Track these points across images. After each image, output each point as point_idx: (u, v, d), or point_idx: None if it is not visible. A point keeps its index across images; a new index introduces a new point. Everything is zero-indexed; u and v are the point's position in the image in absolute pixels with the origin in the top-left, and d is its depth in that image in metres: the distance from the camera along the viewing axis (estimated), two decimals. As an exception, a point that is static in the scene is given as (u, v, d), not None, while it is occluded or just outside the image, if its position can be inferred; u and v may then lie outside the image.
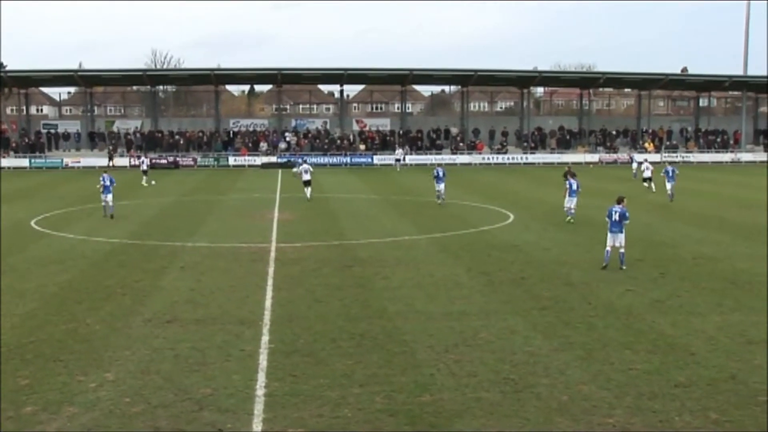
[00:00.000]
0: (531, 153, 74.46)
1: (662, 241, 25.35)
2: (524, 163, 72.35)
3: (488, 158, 73.04)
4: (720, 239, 25.76)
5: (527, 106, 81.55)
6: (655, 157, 74.42)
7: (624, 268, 20.21)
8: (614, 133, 79.37)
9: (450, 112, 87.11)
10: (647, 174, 44.45)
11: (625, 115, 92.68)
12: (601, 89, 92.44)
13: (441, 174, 37.40)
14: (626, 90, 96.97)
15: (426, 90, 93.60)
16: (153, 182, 48.89)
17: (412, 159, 71.21)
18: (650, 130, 79.26)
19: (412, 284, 18.67)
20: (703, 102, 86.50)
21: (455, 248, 24.01)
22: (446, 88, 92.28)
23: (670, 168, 40.58)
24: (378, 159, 71.01)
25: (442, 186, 37.06)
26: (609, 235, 20.88)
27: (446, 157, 72.57)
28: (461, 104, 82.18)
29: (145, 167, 51.55)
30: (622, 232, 20.50)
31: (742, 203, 37.35)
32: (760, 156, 77.27)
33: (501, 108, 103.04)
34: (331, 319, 15.35)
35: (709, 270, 20.38)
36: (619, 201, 21.19)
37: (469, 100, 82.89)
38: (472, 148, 74.51)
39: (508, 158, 73.28)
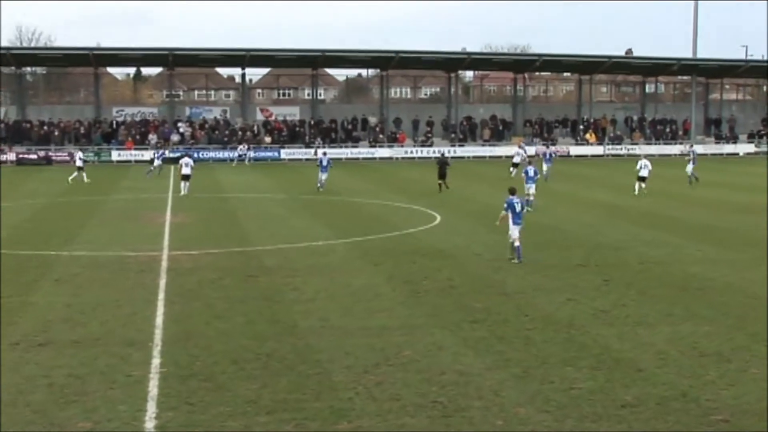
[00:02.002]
0: (460, 145, 75.42)
1: (606, 244, 26.00)
2: (452, 157, 73.18)
3: (411, 151, 73.65)
4: (670, 241, 26.56)
5: (455, 92, 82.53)
6: (598, 150, 76.46)
7: (515, 261, 22.27)
8: (552, 122, 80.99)
9: (368, 100, 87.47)
10: (644, 173, 41.71)
11: (565, 102, 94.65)
12: (537, 73, 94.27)
13: (325, 162, 42.91)
14: (565, 74, 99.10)
15: (340, 74, 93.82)
16: (72, 179, 48.86)
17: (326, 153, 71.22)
18: (592, 120, 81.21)
19: (327, 296, 18.64)
20: (649, 88, 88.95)
21: (375, 254, 24.09)
22: (363, 72, 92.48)
23: (531, 167, 38.00)
24: (286, 153, 70.72)
25: (325, 176, 42.10)
26: (513, 227, 22.57)
27: (364, 150, 72.91)
28: (381, 90, 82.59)
29: (81, 163, 50.85)
30: (521, 225, 22.65)
31: (692, 201, 38.66)
32: (710, 148, 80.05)
33: (425, 95, 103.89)
34: (233, 338, 15.18)
35: (658, 275, 20.99)
36: (513, 192, 23.11)
37: (389, 86, 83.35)
38: (393, 140, 75.01)
39: (434, 151, 73.94)
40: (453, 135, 77.07)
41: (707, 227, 29.95)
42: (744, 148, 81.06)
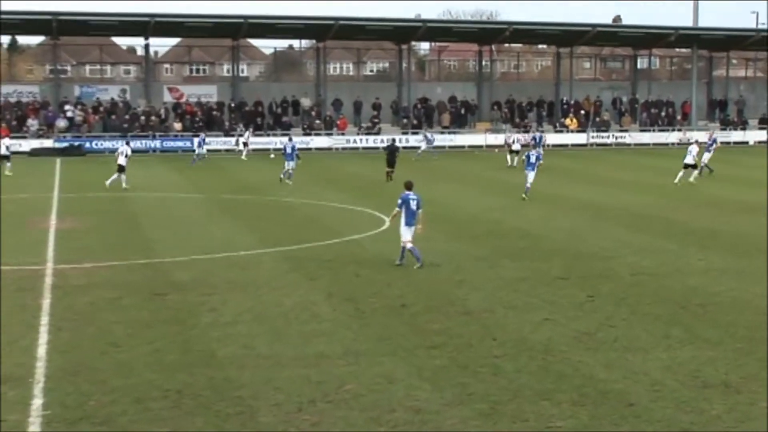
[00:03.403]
0: (413, 133, 75.71)
1: (591, 252, 26.32)
2: (404, 147, 73.42)
3: (354, 140, 73.75)
4: (666, 247, 26.97)
5: (407, 68, 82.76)
6: (581, 138, 77.24)
7: (419, 266, 23.34)
8: (526, 104, 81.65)
9: (301, 77, 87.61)
10: (689, 159, 45.38)
11: (540, 80, 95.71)
12: (506, 45, 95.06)
13: (290, 150, 45.04)
14: (540, 46, 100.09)
15: (267, 46, 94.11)
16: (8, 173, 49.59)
17: (249, 142, 70.90)
18: (573, 101, 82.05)
19: (252, 317, 18.59)
20: (642, 63, 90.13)
21: (312, 266, 24.09)
22: (295, 42, 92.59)
23: (533, 153, 41.13)
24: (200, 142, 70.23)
25: (292, 164, 44.65)
26: (404, 228, 23.59)
27: (297, 139, 72.46)
28: (316, 66, 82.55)
29: (6, 152, 52.10)
30: (415, 225, 23.70)
31: (693, 200, 39.30)
32: (715, 135, 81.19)
33: (371, 71, 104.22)
34: (136, 371, 15.06)
35: (653, 290, 21.30)
36: (409, 186, 24.06)
37: (327, 61, 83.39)
38: (332, 126, 75.04)
39: (382, 140, 74.10)
40: (405, 120, 77.26)
41: (711, 231, 30.46)
42: (754, 135, 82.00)
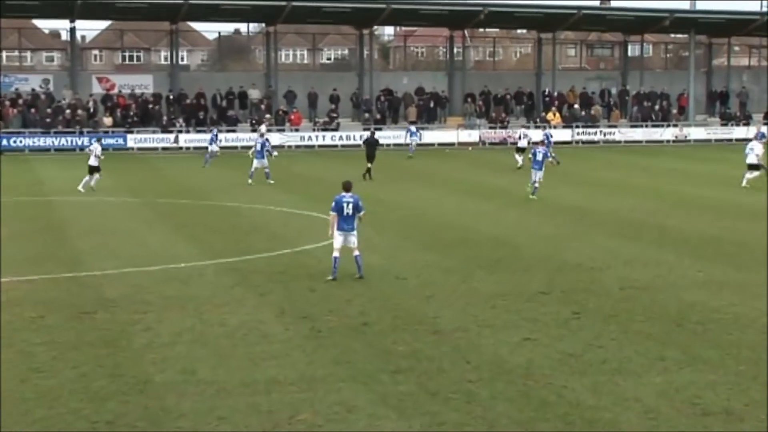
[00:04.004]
0: (376, 128, 75.54)
1: (576, 263, 26.43)
2: (264, 146, 73.28)
3: (309, 137, 73.62)
4: (660, 258, 27.14)
5: (369, 56, 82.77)
6: (564, 134, 77.45)
7: (362, 276, 23.66)
8: (503, 96, 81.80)
9: (249, 66, 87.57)
10: (751, 159, 45.25)
11: (519, 69, 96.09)
12: (481, 30, 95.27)
13: (260, 147, 47.17)
14: (519, 32, 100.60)
15: (211, 30, 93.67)
16: None
17: (190, 139, 70.70)
18: (555, 93, 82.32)
19: (192, 338, 18.53)
20: (633, 50, 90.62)
21: (260, 279, 24.07)
22: (242, 26, 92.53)
23: (540, 149, 42.31)
24: (135, 140, 69.88)
25: (264, 162, 46.93)
26: (337, 234, 23.72)
27: (244, 136, 72.43)
28: (266, 53, 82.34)
29: None
30: (354, 229, 23.85)
31: (689, 204, 39.57)
32: (715, 132, 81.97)
33: (329, 59, 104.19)
34: (61, 399, 14.96)
35: (645, 305, 21.42)
36: (348, 188, 24.17)
37: (278, 47, 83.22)
38: (284, 121, 74.90)
39: (341, 137, 74.15)
40: (366, 114, 77.14)
41: (710, 239, 30.69)
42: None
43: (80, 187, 42.95)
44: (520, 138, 57.47)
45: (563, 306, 21.28)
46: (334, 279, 23.65)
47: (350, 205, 23.83)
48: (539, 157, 40.92)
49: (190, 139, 71.04)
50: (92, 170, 43.49)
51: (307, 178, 50.18)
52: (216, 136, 60.54)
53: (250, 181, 46.34)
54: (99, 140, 47.75)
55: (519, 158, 54.21)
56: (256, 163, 47.09)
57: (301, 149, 71.42)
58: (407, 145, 65.55)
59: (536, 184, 40.44)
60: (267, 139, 49.12)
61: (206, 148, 59.33)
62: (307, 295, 22.40)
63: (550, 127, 76.29)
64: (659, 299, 21.98)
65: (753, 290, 22.91)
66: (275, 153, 50.98)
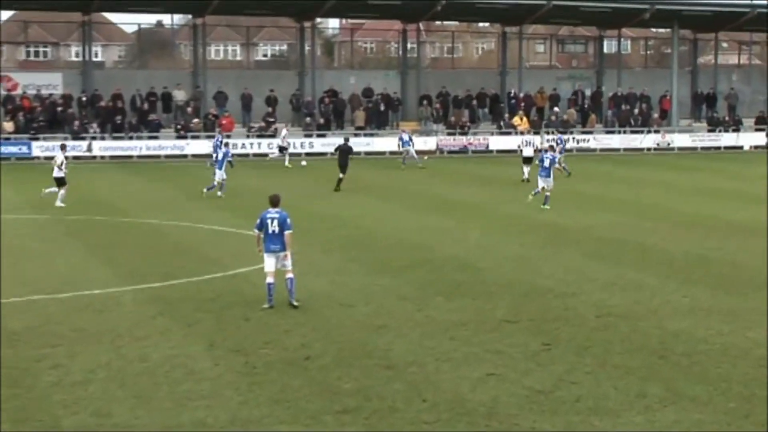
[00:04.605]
0: (319, 135, 75.66)
1: (546, 288, 26.51)
2: (306, 153, 73.42)
3: (243, 144, 73.33)
4: (641, 281, 27.27)
5: (311, 52, 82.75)
6: (534, 142, 77.66)
7: (296, 303, 23.61)
8: (463, 98, 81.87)
9: (173, 63, 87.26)
10: None
11: (481, 68, 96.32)
12: (439, 23, 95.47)
13: (222, 157, 48.01)
14: (481, 25, 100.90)
15: (129, 23, 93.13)
16: None
17: (105, 147, 70.26)
18: (522, 95, 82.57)
19: (108, 376, 18.38)
20: (609, 46, 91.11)
21: (187, 308, 23.96)
22: (166, 18, 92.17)
23: (548, 155, 43.41)
24: (41, 148, 69.09)
25: (222, 174, 47.09)
26: (267, 256, 23.71)
27: (168, 144, 72.33)
28: (193, 49, 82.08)
29: None
30: (285, 249, 23.75)
31: (674, 219, 39.80)
32: (702, 139, 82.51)
33: (265, 56, 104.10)
34: (-43, 448, 14.81)
35: (624, 335, 21.48)
36: (275, 203, 24.18)
37: (207, 42, 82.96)
38: (214, 126, 74.58)
39: (275, 144, 73.56)
40: (308, 119, 77.11)
41: (697, 259, 30.88)
42: (751, 138, 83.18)
43: (59, 202, 42.97)
44: (525, 145, 57.49)
45: (532, 336, 21.33)
46: (270, 307, 23.59)
47: (275, 222, 23.76)
48: (546, 163, 42.27)
49: (105, 146, 70.66)
50: (58, 183, 43.48)
51: (240, 191, 50.01)
52: (221, 142, 60.10)
53: (220, 193, 46.87)
54: (63, 148, 47.16)
55: (525, 170, 53.98)
56: (217, 174, 47.53)
57: (234, 158, 71.14)
58: (400, 153, 65.75)
59: (547, 193, 42.00)
60: (228, 150, 49.31)
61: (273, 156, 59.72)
62: (241, 325, 22.32)
63: (516, 132, 76.65)
64: (640, 328, 22.06)
65: (745, 317, 23.06)
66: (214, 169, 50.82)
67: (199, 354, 19.93)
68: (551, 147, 47.98)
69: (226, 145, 51.41)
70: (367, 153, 72.77)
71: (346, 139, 53.55)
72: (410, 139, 66.19)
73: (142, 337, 21.26)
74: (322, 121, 76.97)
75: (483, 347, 20.41)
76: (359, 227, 37.39)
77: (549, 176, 42.15)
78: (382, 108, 79.60)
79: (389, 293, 25.78)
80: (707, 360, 19.52)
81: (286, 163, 63.99)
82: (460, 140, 76.88)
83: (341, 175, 49.44)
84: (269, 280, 23.72)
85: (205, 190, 46.88)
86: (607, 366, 19.11)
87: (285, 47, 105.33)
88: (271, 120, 75.76)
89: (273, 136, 73.64)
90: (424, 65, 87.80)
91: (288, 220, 23.84)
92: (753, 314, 23.29)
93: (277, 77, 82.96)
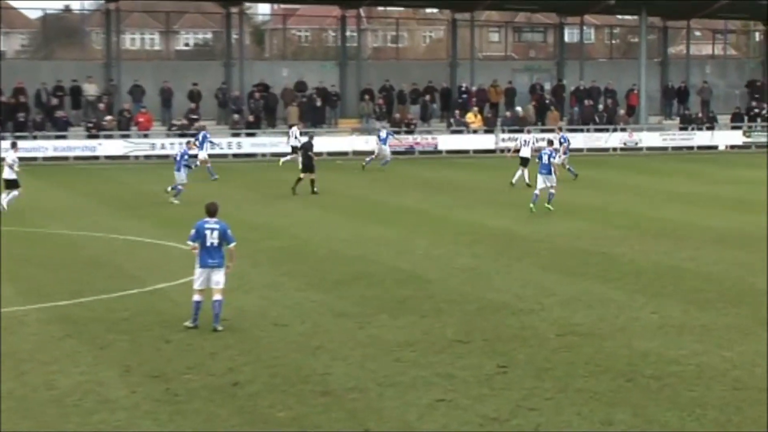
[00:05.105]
0: (248, 134, 75.39)
1: (502, 303, 26.56)
2: (233, 155, 73.25)
3: (162, 145, 73.00)
4: (606, 296, 27.40)
5: (239, 41, 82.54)
6: (486, 141, 77.91)
7: (219, 328, 23.28)
8: (409, 93, 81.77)
9: (83, 53, 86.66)
10: None
11: (429, 58, 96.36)
12: (381, 9, 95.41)
13: (179, 157, 47.76)
14: (429, 11, 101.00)
15: (33, 8, 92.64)
16: None
17: (7, 147, 69.66)
18: (475, 89, 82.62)
19: (11, 406, 18.18)
20: (571, 35, 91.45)
21: (98, 329, 23.78)
22: (74, 3, 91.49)
23: (546, 151, 44.06)
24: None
25: (182, 176, 46.89)
26: (199, 271, 23.47)
27: (77, 144, 71.83)
28: (106, 37, 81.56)
29: None
30: (222, 266, 23.61)
31: (643, 227, 39.99)
32: (673, 137, 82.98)
33: (187, 45, 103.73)
34: None
35: (588, 356, 21.55)
36: (212, 212, 23.82)
37: (122, 29, 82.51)
38: (129, 124, 74.22)
39: (212, 146, 73.30)
40: (236, 115, 76.92)
41: (669, 272, 31.04)
42: (726, 137, 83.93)
43: (4, 204, 43.06)
44: (523, 144, 55.91)
45: (486, 358, 21.34)
46: (194, 326, 23.46)
47: (215, 233, 23.46)
48: (545, 159, 42.92)
49: (7, 146, 69.92)
50: (9, 185, 43.37)
51: (161, 198, 49.84)
52: (206, 137, 60.89)
53: (174, 200, 46.94)
54: (14, 146, 46.87)
55: (525, 173, 53.44)
56: (176, 176, 47.82)
57: (152, 160, 70.93)
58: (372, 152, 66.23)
59: (551, 191, 43.05)
60: (185, 151, 49.58)
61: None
62: (161, 347, 22.21)
63: (469, 130, 76.79)
64: (605, 348, 22.15)
65: (720, 335, 23.21)
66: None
67: (113, 380, 19.78)
68: (550, 141, 48.01)
69: (188, 143, 51.18)
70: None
71: (311, 137, 53.83)
72: (388, 136, 66.67)
73: (49, 361, 21.06)
74: (251, 118, 76.70)
75: (432, 370, 20.41)
76: (293, 237, 37.33)
77: (550, 173, 42.79)
78: (319, 103, 79.34)
79: (326, 310, 25.75)
80: (679, 383, 19.61)
81: (281, 162, 64.22)
82: (405, 139, 76.72)
83: (302, 175, 49.74)
84: (197, 298, 23.53)
85: (169, 188, 47.43)
86: (569, 390, 19.17)
87: (209, 35, 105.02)
88: (195, 117, 75.43)
89: (195, 135, 73.31)
90: (365, 56, 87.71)
91: (229, 231, 23.60)
92: (729, 332, 23.46)
93: (201, 69, 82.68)
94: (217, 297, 23.39)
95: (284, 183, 55.53)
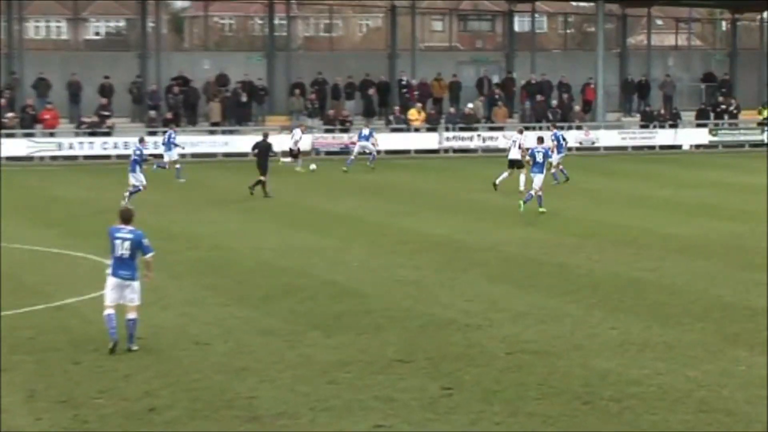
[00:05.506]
0: (164, 131, 74.72)
1: (447, 319, 26.62)
2: (151, 154, 72.76)
3: (71, 144, 72.57)
4: (560, 310, 27.55)
5: (155, 29, 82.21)
6: (429, 140, 77.90)
7: (135, 348, 23.17)
8: (344, 87, 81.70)
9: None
10: None
11: (366, 49, 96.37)
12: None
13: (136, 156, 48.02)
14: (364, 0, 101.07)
15: None
16: None
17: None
18: (416, 82, 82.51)
19: None
20: (521, 24, 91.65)
21: None
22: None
23: (540, 148, 45.20)
24: None
25: (141, 179, 47.19)
26: (110, 290, 23.21)
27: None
28: (6, 25, 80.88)
29: None
30: (135, 279, 23.40)
31: (601, 235, 40.15)
32: (633, 136, 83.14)
33: (98, 34, 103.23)
34: None
35: (541, 376, 21.62)
36: (126, 219, 23.55)
37: (24, 16, 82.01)
38: (33, 122, 73.71)
39: (116, 145, 73.28)
40: (152, 112, 76.54)
41: (629, 284, 31.21)
42: (690, 136, 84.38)
43: None
44: (513, 144, 55.09)
45: (429, 379, 21.38)
46: (113, 346, 23.07)
47: (126, 244, 23.14)
48: (539, 157, 44.56)
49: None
50: None
51: (67, 202, 49.59)
52: (172, 138, 61.31)
53: (126, 194, 47.09)
54: None
55: (521, 178, 51.99)
56: (131, 178, 48.02)
57: (59, 161, 70.52)
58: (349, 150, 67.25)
59: (539, 193, 44.65)
60: (142, 149, 49.84)
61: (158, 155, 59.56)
62: (69, 369, 22.09)
63: (410, 129, 76.73)
64: (560, 368, 22.23)
65: (685, 353, 23.36)
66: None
67: (17, 406, 19.67)
68: (540, 139, 48.32)
69: (142, 140, 51.20)
70: (226, 155, 72.49)
71: (266, 135, 54.36)
72: (371, 134, 67.15)
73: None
74: (169, 115, 76.23)
75: (370, 393, 20.43)
76: (216, 247, 37.24)
77: (541, 172, 44.34)
78: (244, 99, 79.02)
79: (253, 328, 25.71)
80: (640, 405, 19.71)
81: (308, 166, 64.06)
82: (340, 138, 76.65)
83: (261, 177, 50.39)
84: (109, 312, 23.18)
85: (126, 194, 47.17)
86: (520, 414, 19.24)
87: (122, 23, 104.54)
88: (106, 114, 74.96)
89: (108, 134, 73.00)
90: (296, 46, 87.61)
91: (145, 241, 23.28)
92: (694, 349, 23.63)
93: (113, 61, 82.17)
94: (132, 315, 23.18)
95: (207, 187, 55.53)
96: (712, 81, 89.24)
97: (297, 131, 66.30)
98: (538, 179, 44.37)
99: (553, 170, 54.69)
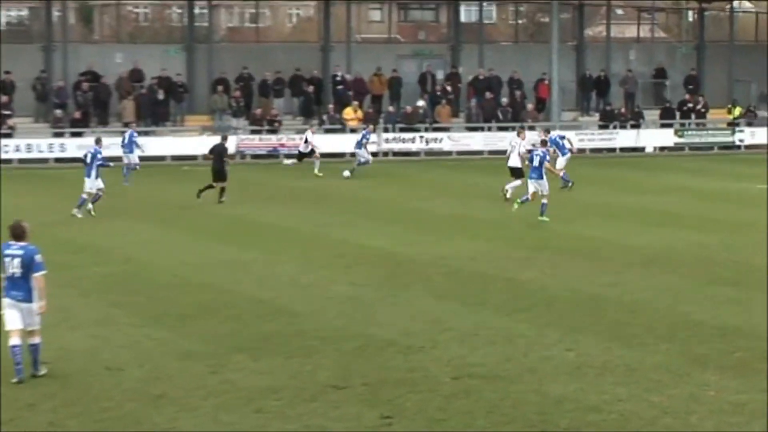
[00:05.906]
0: (74, 134, 74.73)
1: (386, 340, 26.67)
2: (55, 159, 72.57)
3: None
4: (512, 330, 27.60)
5: (62, 19, 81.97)
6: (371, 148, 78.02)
7: (41, 373, 22.95)
8: (272, 84, 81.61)
9: None
10: None
11: (296, 41, 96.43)
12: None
13: (90, 160, 48.07)
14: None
15: None
16: None
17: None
18: (352, 77, 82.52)
19: None
20: (468, 14, 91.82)
21: None
22: None
23: (538, 151, 45.76)
24: None
25: (98, 183, 47.19)
26: (8, 309, 22.70)
27: None
28: None
29: None
30: (32, 300, 22.86)
31: (556, 246, 40.25)
32: (591, 138, 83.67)
33: (4, 25, 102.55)
34: None
35: (491, 402, 21.67)
36: (17, 234, 23.03)
37: None
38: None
39: (19, 147, 72.81)
40: (58, 111, 76.28)
41: (587, 300, 31.34)
42: (654, 137, 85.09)
43: None
44: (512, 148, 55.18)
45: (367, 406, 21.41)
46: (19, 381, 22.69)
47: (16, 261, 22.68)
48: (536, 161, 44.70)
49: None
50: None
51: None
52: (133, 138, 62.44)
53: (76, 211, 47.19)
54: None
55: (514, 186, 52.15)
56: (87, 184, 47.96)
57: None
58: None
59: (543, 200, 45.32)
60: (98, 150, 49.84)
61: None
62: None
63: (346, 129, 76.63)
64: (511, 393, 22.27)
65: (648, 376, 23.45)
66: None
67: None
68: (543, 142, 48.57)
69: (98, 142, 51.04)
70: (140, 158, 72.07)
71: (224, 138, 55.04)
72: (367, 135, 67.72)
73: None
74: (77, 114, 76.03)
75: (301, 422, 20.44)
76: (128, 261, 37.13)
77: (542, 177, 44.45)
78: (161, 96, 78.86)
79: (170, 351, 25.64)
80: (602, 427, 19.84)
81: (316, 170, 64.98)
82: (268, 140, 76.59)
83: (213, 184, 50.96)
84: (14, 341, 22.75)
85: (79, 204, 47.27)
86: (467, 445, 19.29)
87: (25, 13, 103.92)
88: (7, 113, 74.61)
89: (10, 135, 72.61)
90: (219, 38, 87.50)
91: (37, 257, 22.75)
92: (659, 372, 23.73)
93: (14, 54, 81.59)
94: (35, 340, 22.96)
95: (117, 195, 55.30)
96: (663, 77, 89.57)
97: (308, 133, 66.56)
98: (533, 185, 44.96)
99: (562, 173, 55.49)
